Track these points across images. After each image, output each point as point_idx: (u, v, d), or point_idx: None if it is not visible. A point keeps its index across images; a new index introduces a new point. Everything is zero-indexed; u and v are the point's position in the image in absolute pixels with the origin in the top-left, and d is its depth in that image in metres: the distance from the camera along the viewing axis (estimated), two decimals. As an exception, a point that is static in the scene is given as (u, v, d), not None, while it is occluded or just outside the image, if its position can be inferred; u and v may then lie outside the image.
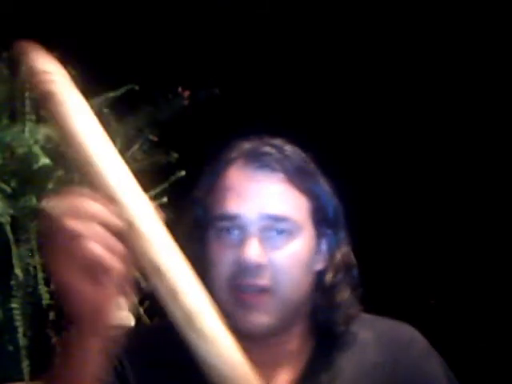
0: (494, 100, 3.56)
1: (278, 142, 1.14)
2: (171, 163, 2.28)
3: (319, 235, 1.13)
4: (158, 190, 2.18)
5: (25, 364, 2.00)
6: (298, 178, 1.10)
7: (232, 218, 1.08)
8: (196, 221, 1.14)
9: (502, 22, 3.39)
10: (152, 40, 3.26)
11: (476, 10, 3.37)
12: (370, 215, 3.48)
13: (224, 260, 1.08)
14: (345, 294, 1.13)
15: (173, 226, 0.94)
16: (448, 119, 3.62)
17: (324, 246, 1.14)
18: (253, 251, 1.06)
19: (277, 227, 1.08)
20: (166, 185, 2.20)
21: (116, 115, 2.28)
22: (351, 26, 3.51)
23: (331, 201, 1.14)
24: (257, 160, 1.09)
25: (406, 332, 1.17)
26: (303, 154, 1.14)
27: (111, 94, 2.27)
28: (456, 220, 3.62)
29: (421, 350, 1.14)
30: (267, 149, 1.11)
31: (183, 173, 2.23)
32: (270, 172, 1.09)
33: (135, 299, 1.72)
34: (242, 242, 1.07)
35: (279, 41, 3.45)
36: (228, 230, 1.09)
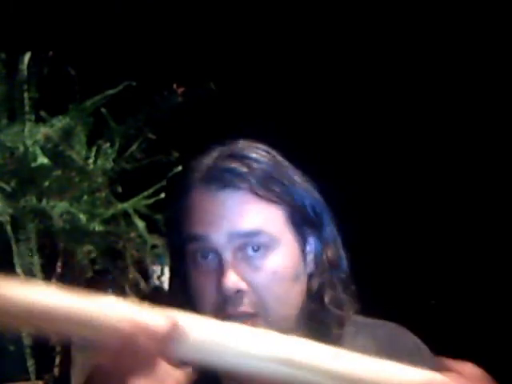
0: (494, 101, 3.56)
1: (242, 148, 1.06)
2: (170, 161, 2.28)
3: (303, 238, 1.06)
4: (156, 186, 2.18)
5: (30, 363, 2.00)
6: (265, 188, 1.03)
7: (200, 239, 1.02)
8: (172, 243, 1.10)
9: (502, 22, 3.39)
10: (151, 39, 3.26)
11: (476, 10, 3.37)
12: (371, 216, 3.48)
13: (204, 289, 1.02)
14: (334, 294, 1.07)
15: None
16: (440, 115, 3.62)
17: (310, 247, 1.07)
18: (230, 279, 0.99)
19: (251, 243, 1.01)
20: (163, 181, 2.19)
21: (115, 114, 2.28)
22: (348, 25, 3.51)
23: (309, 198, 1.07)
24: (218, 179, 1.03)
25: (408, 339, 1.13)
26: (272, 155, 1.07)
27: (110, 92, 2.26)
28: (456, 220, 3.62)
29: (422, 361, 1.04)
30: (229, 164, 1.04)
31: (180, 168, 2.21)
32: (233, 191, 1.02)
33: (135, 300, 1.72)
34: (218, 268, 1.01)
35: (278, 39, 3.45)
36: (202, 254, 1.02)
